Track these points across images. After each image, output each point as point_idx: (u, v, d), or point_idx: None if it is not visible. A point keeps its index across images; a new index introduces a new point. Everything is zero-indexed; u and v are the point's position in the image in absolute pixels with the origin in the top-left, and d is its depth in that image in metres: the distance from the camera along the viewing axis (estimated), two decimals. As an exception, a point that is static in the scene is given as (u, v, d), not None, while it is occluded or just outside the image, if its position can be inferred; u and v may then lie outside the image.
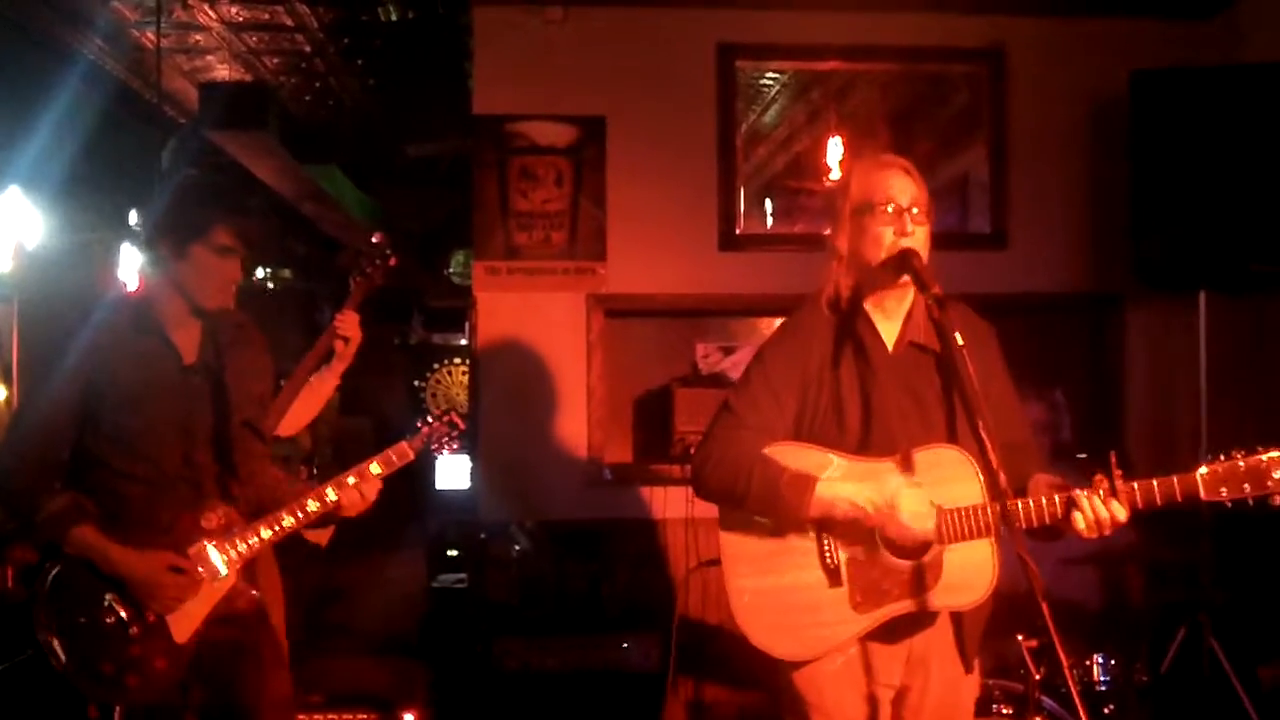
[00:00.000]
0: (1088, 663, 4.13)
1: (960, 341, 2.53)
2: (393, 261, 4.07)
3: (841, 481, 2.68)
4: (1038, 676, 3.77)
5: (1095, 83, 5.55)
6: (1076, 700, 2.39)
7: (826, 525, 2.72)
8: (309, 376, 4.02)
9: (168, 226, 3.12)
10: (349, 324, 4.01)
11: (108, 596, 3.01)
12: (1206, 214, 4.80)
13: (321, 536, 3.54)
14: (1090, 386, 5.75)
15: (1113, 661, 4.15)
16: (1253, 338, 5.35)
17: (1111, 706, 4.10)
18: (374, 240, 4.09)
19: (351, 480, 3.16)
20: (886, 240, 2.74)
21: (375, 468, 3.20)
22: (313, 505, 3.14)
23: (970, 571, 2.66)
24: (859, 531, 2.69)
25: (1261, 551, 4.94)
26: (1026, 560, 2.34)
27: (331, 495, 3.15)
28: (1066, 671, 2.37)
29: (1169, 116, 4.90)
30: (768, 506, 2.73)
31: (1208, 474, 2.55)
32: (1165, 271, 4.97)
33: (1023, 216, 5.65)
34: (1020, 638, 3.76)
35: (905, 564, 2.68)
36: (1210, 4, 5.55)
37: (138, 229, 7.43)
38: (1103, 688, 4.12)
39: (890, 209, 2.74)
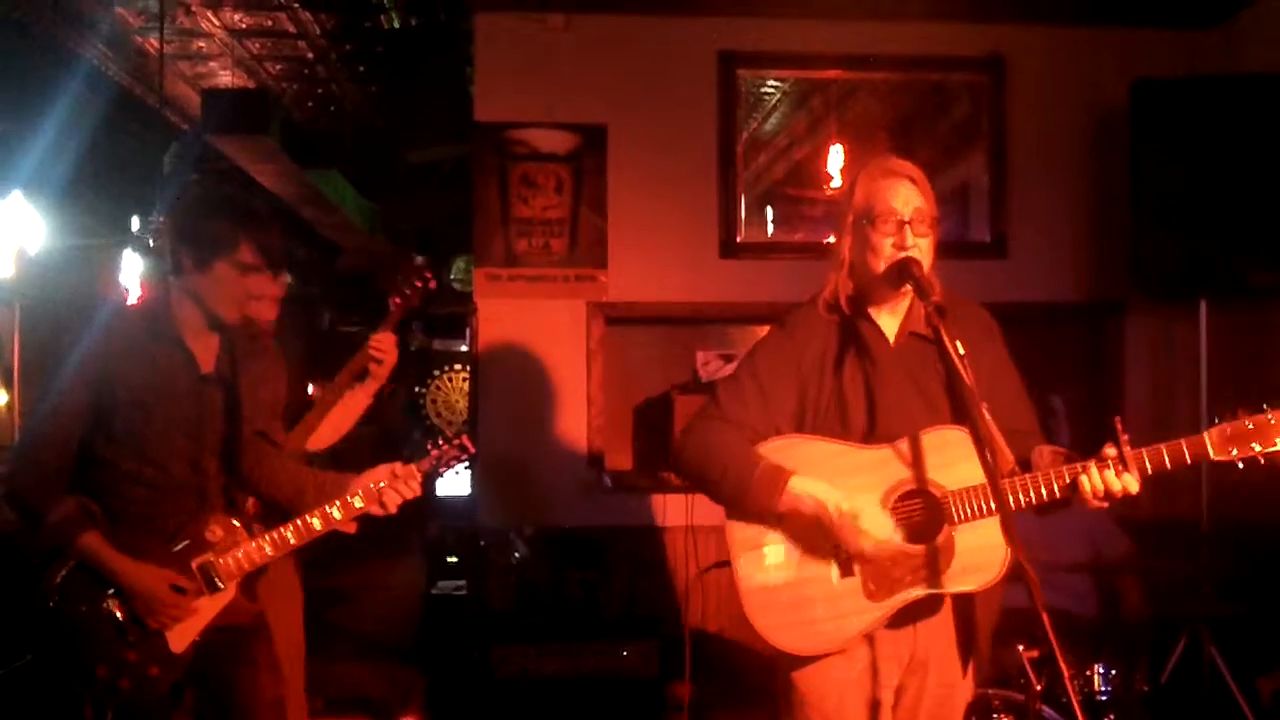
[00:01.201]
0: (1088, 673, 4.12)
1: (961, 351, 2.52)
2: (432, 285, 4.05)
3: (815, 480, 2.68)
4: (1038, 686, 3.77)
5: (1095, 92, 5.56)
6: (1077, 710, 2.38)
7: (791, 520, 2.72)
8: (342, 394, 4.01)
9: (192, 238, 3.08)
10: (386, 345, 3.99)
11: (107, 601, 3.01)
12: (1207, 223, 4.80)
13: (350, 526, 3.55)
14: (1090, 395, 5.75)
15: (1113, 671, 4.14)
16: (1253, 346, 5.36)
17: (1111, 716, 4.09)
18: (416, 263, 4.07)
19: (358, 502, 3.15)
20: (885, 251, 2.74)
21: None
22: (317, 524, 3.14)
23: (983, 552, 2.65)
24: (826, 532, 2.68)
25: (1261, 562, 4.94)
26: (1027, 569, 2.33)
27: (336, 514, 3.14)
28: (1067, 681, 2.36)
29: (1169, 125, 4.90)
30: (739, 496, 2.74)
31: (1216, 434, 2.57)
32: (1165, 280, 4.98)
33: (1023, 225, 5.66)
34: (1021, 648, 3.76)
35: (917, 548, 2.67)
36: (1210, 14, 5.55)
37: (140, 234, 7.43)
38: (1103, 698, 4.11)
39: (892, 220, 2.73)
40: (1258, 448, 2.55)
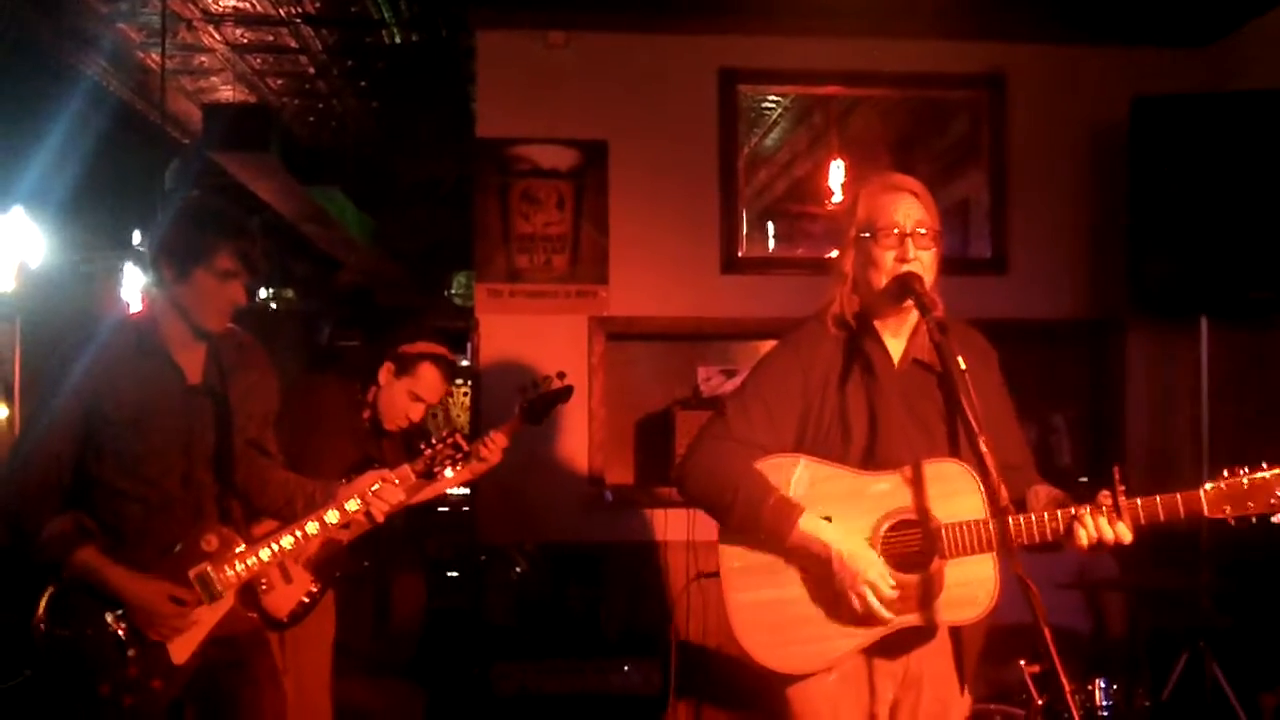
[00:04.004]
0: (1089, 688, 4.12)
1: (963, 366, 2.53)
2: (569, 382, 4.11)
3: (823, 522, 2.69)
4: (1040, 702, 3.77)
5: (1095, 109, 5.57)
6: (1078, 726, 2.38)
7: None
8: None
9: (170, 249, 3.10)
10: (496, 446, 4.01)
11: (106, 617, 3.00)
12: (1206, 240, 4.81)
13: (343, 534, 3.55)
14: (1090, 412, 5.75)
15: (1114, 687, 4.15)
16: (1253, 364, 5.36)
17: (1112, 732, 4.09)
18: (559, 375, 4.11)
19: (353, 505, 3.15)
20: (887, 265, 2.74)
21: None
22: (312, 528, 3.14)
23: (972, 586, 2.66)
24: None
25: (1263, 578, 4.94)
26: (1029, 585, 2.33)
27: (332, 519, 3.15)
28: (1068, 697, 2.36)
29: (1169, 143, 4.91)
30: (748, 526, 2.73)
31: (1212, 491, 2.55)
32: (1165, 298, 4.98)
33: (1023, 242, 5.67)
34: (1022, 663, 3.76)
35: (906, 578, 2.68)
36: (1209, 31, 5.57)
37: (141, 249, 7.44)
38: (1104, 713, 4.11)
39: (894, 233, 2.74)
40: (1252, 506, 2.53)
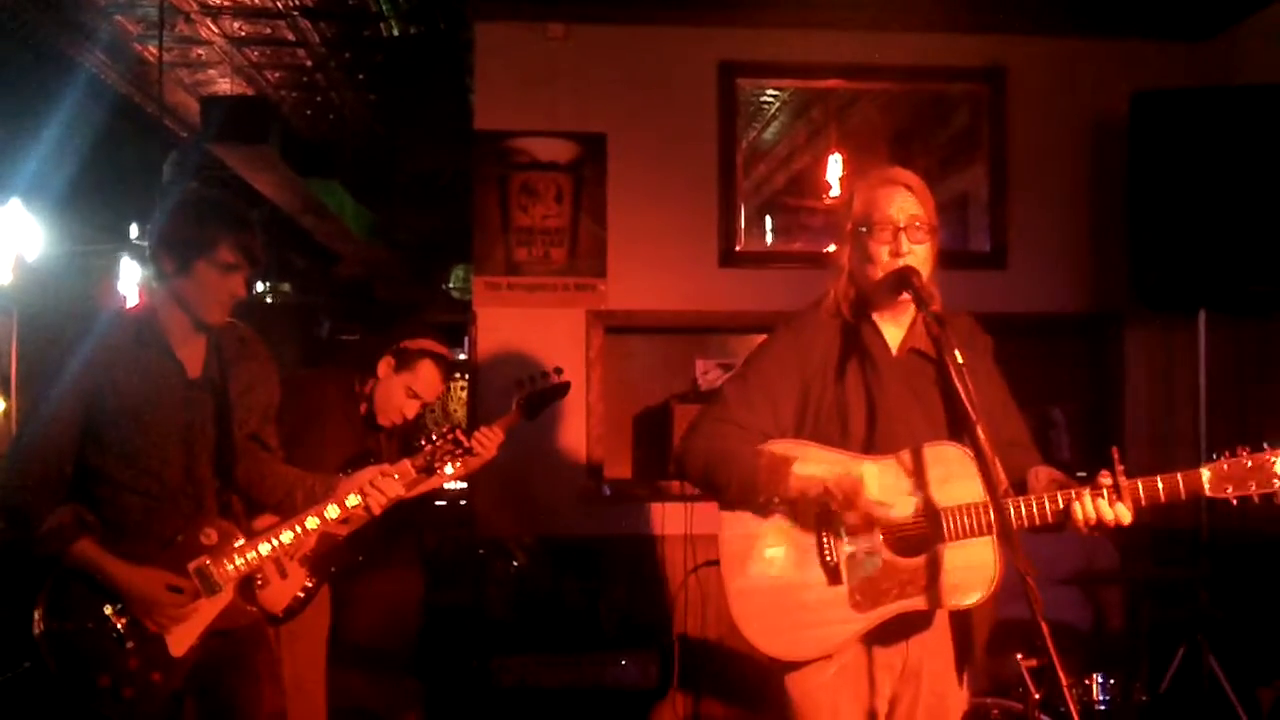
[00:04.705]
0: (1087, 682, 4.13)
1: (960, 360, 2.52)
2: (565, 379, 4.13)
3: (816, 464, 2.68)
4: (1037, 696, 3.77)
5: (1095, 103, 5.57)
6: (1076, 720, 2.38)
7: (825, 522, 2.72)
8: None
9: (171, 242, 3.10)
10: (491, 441, 3.98)
11: (105, 609, 3.00)
12: (1206, 234, 4.80)
13: (342, 528, 3.55)
14: (1090, 406, 5.75)
15: (1112, 681, 4.16)
16: (1252, 358, 5.36)
17: (1110, 726, 4.10)
18: (555, 370, 4.12)
19: (353, 500, 3.16)
20: (882, 259, 2.74)
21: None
22: (312, 522, 3.15)
23: (971, 571, 2.65)
24: (853, 524, 2.69)
25: (1260, 572, 4.95)
26: (1028, 580, 2.33)
27: (331, 513, 3.15)
28: (1066, 691, 2.36)
29: (1169, 137, 4.90)
30: (747, 493, 2.74)
31: (1213, 471, 2.55)
32: (1164, 292, 4.97)
33: (1022, 236, 5.66)
34: (1019, 657, 3.76)
35: (906, 562, 2.68)
36: (1211, 25, 5.57)
37: (139, 242, 7.44)
38: (1102, 707, 4.12)
39: (888, 228, 2.74)
40: (1254, 486, 2.53)
